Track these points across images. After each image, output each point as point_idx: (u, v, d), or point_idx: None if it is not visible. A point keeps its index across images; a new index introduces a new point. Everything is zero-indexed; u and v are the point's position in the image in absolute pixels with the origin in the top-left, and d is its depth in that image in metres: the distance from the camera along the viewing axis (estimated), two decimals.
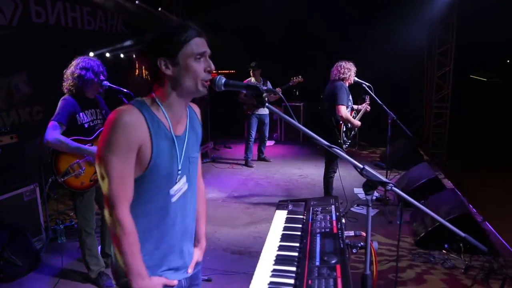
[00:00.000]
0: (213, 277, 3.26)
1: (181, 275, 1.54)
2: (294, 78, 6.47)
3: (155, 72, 1.37)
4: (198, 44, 1.35)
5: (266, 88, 1.37)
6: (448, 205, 3.89)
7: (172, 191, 1.42)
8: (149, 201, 1.39)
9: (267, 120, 7.01)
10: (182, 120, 1.47)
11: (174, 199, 1.44)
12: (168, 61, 1.34)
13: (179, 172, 1.43)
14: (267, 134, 7.18)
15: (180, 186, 1.45)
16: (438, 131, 7.43)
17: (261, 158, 7.36)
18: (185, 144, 1.45)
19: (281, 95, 1.35)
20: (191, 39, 1.34)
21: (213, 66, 1.39)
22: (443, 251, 3.64)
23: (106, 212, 1.34)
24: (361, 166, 1.36)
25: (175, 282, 1.49)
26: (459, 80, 7.41)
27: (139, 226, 1.36)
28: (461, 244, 3.55)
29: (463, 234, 1.35)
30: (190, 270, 1.59)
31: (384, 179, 1.37)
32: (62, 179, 2.87)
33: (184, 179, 1.46)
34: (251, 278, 3.34)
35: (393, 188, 1.36)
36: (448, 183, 5.63)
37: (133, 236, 1.34)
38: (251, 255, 3.70)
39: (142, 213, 1.38)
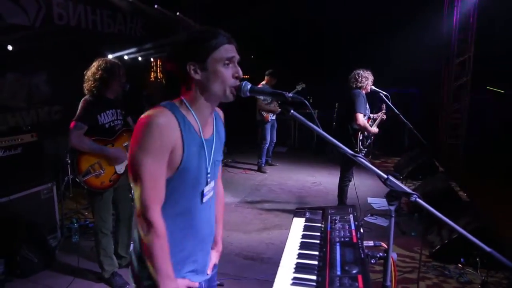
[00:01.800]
0: (224, 281, 3.26)
1: (202, 277, 1.55)
2: (298, 86, 6.57)
3: (183, 76, 1.37)
4: (228, 50, 1.36)
5: (291, 95, 1.37)
6: (464, 218, 3.82)
7: (205, 191, 1.44)
8: (177, 203, 1.39)
9: (276, 125, 7.08)
10: (209, 123, 1.49)
11: (205, 200, 1.45)
12: (197, 66, 1.35)
13: (209, 175, 1.44)
14: (274, 139, 7.22)
15: (209, 189, 1.47)
16: (454, 142, 7.33)
17: (268, 163, 7.37)
18: (213, 148, 1.47)
19: (307, 102, 1.34)
20: (221, 45, 1.35)
21: (241, 72, 1.39)
22: (459, 265, 3.57)
23: (138, 214, 1.33)
24: (385, 176, 1.35)
25: (197, 284, 1.50)
26: (476, 91, 7.31)
27: (167, 227, 1.36)
28: (477, 259, 3.47)
29: (488, 249, 1.32)
30: (209, 272, 1.61)
31: (408, 190, 1.36)
32: (83, 179, 2.92)
33: (213, 182, 1.48)
34: (262, 284, 3.31)
35: (417, 199, 1.34)
36: (463, 195, 5.54)
37: (165, 239, 1.34)
38: (263, 261, 3.68)
39: (170, 214, 1.38)
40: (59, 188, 4.18)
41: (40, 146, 3.91)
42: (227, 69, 1.36)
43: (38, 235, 3.50)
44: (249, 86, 1.40)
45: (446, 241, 3.65)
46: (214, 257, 1.69)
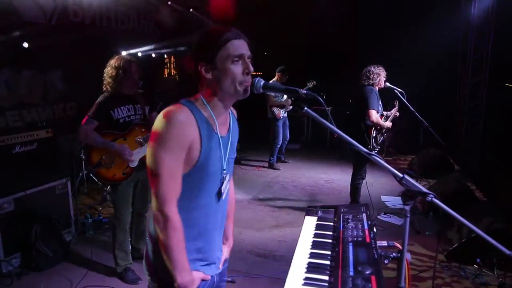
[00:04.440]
0: (236, 279, 3.26)
1: (214, 270, 1.58)
2: (309, 83, 6.56)
3: (198, 76, 1.40)
4: (235, 47, 1.36)
5: (305, 91, 1.35)
6: (486, 218, 3.72)
7: (223, 189, 1.47)
8: (194, 198, 1.42)
9: (287, 122, 7.04)
10: (226, 121, 1.51)
11: (223, 197, 1.49)
12: (207, 66, 1.37)
13: (224, 171, 1.47)
14: (288, 136, 7.18)
15: (226, 185, 1.50)
16: (470, 140, 7.17)
17: (280, 160, 7.34)
18: (228, 145, 1.49)
19: (321, 99, 1.32)
20: (227, 42, 1.35)
21: (251, 68, 1.38)
22: (475, 265, 3.50)
23: (154, 208, 1.36)
24: (400, 175, 1.32)
25: (209, 277, 1.53)
26: (494, 88, 7.12)
27: (183, 221, 1.38)
28: (494, 259, 3.40)
29: (508, 252, 1.28)
30: (220, 266, 1.63)
31: (424, 189, 1.32)
32: (94, 170, 3.01)
33: (227, 178, 1.51)
34: (274, 282, 3.30)
35: (433, 199, 1.31)
36: (480, 195, 5.44)
37: (181, 233, 1.36)
38: (275, 259, 3.67)
39: (186, 208, 1.41)
40: (74, 183, 4.23)
41: (55, 142, 3.97)
42: (236, 66, 1.36)
43: (53, 230, 3.55)
44: (262, 82, 1.40)
45: (463, 241, 3.57)
46: (225, 252, 1.72)
